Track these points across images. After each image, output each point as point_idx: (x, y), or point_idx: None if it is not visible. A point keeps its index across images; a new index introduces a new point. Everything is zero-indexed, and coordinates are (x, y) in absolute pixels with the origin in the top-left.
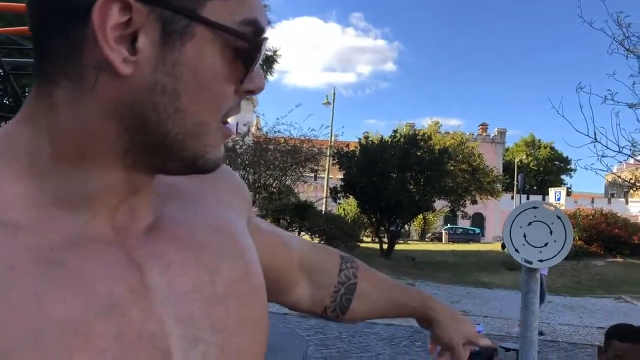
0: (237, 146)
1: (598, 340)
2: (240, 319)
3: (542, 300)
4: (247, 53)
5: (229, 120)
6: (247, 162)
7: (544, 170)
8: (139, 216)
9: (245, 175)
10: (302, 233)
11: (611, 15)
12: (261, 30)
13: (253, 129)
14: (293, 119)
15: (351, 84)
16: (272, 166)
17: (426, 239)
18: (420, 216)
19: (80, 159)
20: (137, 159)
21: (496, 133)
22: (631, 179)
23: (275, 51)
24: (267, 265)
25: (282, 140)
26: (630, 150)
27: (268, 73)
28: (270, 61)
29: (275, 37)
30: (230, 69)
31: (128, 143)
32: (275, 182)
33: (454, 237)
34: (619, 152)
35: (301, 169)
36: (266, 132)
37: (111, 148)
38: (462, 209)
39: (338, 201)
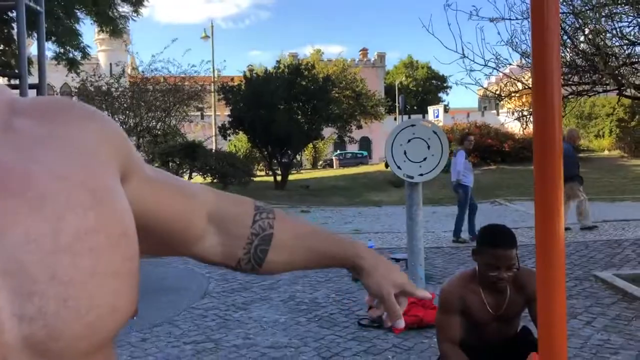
0: (113, 89)
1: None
2: (92, 270)
3: (473, 210)
4: None
5: (101, 59)
6: (125, 105)
7: (423, 90)
8: None
9: (125, 119)
10: (194, 174)
11: None
12: None
13: (128, 70)
14: (171, 56)
15: (231, 16)
16: (153, 107)
17: (318, 167)
18: (311, 145)
19: None
20: None
21: (376, 57)
22: (496, 90)
23: None
24: (160, 216)
25: (162, 79)
26: (495, 63)
27: (139, 7)
28: None
29: None
30: None
31: None
32: (159, 123)
33: (344, 162)
34: (485, 65)
35: (185, 107)
36: (143, 72)
37: None
38: (349, 134)
39: (228, 138)
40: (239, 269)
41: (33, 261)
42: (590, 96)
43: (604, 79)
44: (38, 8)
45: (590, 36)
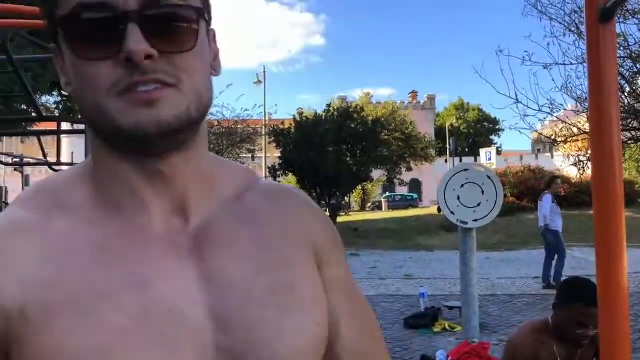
0: None
1: (534, 290)
2: (277, 325)
3: (562, 256)
4: (93, 33)
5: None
6: None
7: (474, 132)
8: (187, 215)
9: None
10: None
11: None
12: (96, 5)
13: None
14: (224, 101)
15: (282, 61)
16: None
17: (367, 209)
18: (359, 187)
19: (103, 167)
20: (117, 150)
21: (426, 99)
22: (552, 135)
23: None
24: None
25: (216, 122)
26: (549, 108)
27: None
28: None
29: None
30: (88, 51)
31: (104, 140)
32: None
33: (393, 205)
34: (539, 110)
35: (237, 150)
36: None
37: (105, 148)
38: (398, 176)
39: (278, 179)
40: None
41: (233, 305)
42: None
43: None
44: None
45: None
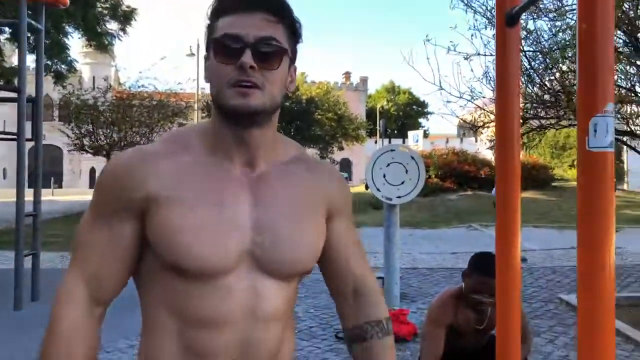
0: (99, 103)
1: (450, 263)
2: (291, 236)
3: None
4: (228, 49)
5: (84, 72)
6: (110, 119)
7: (404, 115)
8: (254, 166)
9: (110, 134)
10: None
11: None
12: (233, 36)
13: (113, 84)
14: (158, 73)
15: None
16: (137, 123)
17: None
18: None
19: (214, 130)
20: (224, 121)
21: (359, 81)
22: (471, 120)
23: (133, 10)
24: (330, 256)
25: (146, 95)
26: (469, 95)
27: (126, 25)
28: (127, 16)
29: None
30: (220, 58)
31: (219, 114)
32: (143, 139)
33: None
34: (460, 97)
35: (170, 124)
36: (129, 87)
37: (218, 119)
38: (330, 155)
39: None
40: (344, 331)
41: (274, 223)
42: (556, 129)
43: (566, 114)
44: (39, 26)
45: (557, 75)
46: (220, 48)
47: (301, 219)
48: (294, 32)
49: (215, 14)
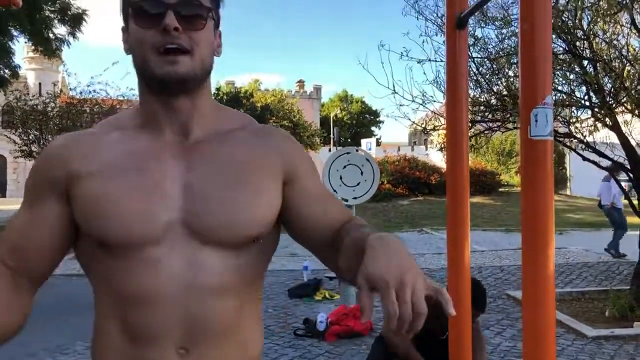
0: (49, 108)
1: None
2: (223, 201)
3: (625, 229)
4: (148, 13)
5: (29, 78)
6: (60, 125)
7: (357, 123)
8: (189, 134)
9: None
10: None
11: None
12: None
13: (60, 89)
14: (110, 78)
15: None
16: (88, 129)
17: None
18: None
19: (142, 101)
20: (149, 89)
21: (312, 89)
22: (422, 123)
23: (84, 11)
24: (300, 215)
25: (95, 101)
26: (421, 99)
27: (77, 31)
28: (77, 18)
29: None
30: (140, 23)
31: (144, 82)
32: None
33: None
34: (413, 101)
35: None
36: (80, 93)
37: (144, 90)
38: None
39: None
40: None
41: (201, 187)
42: (502, 132)
43: (512, 117)
44: None
45: (503, 80)
46: (140, 12)
47: (241, 181)
48: None
49: None
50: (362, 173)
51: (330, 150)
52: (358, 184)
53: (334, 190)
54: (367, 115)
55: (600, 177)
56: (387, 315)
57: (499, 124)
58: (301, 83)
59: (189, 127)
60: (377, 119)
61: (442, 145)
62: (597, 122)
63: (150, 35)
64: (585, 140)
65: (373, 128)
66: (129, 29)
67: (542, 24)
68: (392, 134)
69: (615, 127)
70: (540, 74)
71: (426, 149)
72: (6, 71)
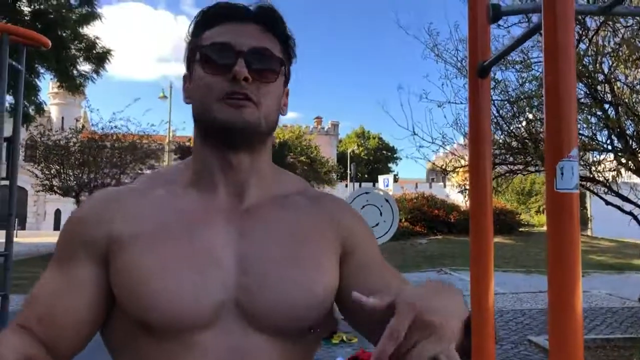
0: (71, 144)
1: None
2: (282, 278)
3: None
4: (218, 59)
5: (53, 112)
6: (80, 160)
7: (374, 159)
8: (244, 197)
9: (80, 175)
10: None
11: (423, 26)
12: (224, 45)
13: (82, 124)
14: (131, 114)
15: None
16: (109, 164)
17: None
18: None
19: (196, 154)
20: (206, 141)
21: (330, 125)
22: (442, 165)
23: (108, 51)
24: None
25: (116, 137)
26: (441, 141)
27: (101, 69)
28: (101, 57)
29: (101, 26)
30: (208, 69)
31: (200, 133)
32: (113, 180)
33: None
34: (432, 142)
35: (141, 165)
36: (102, 128)
37: (199, 141)
38: None
39: None
40: None
41: (257, 266)
42: (524, 175)
43: (533, 160)
44: (19, 67)
45: (524, 123)
46: (209, 58)
47: (300, 256)
48: (287, 48)
49: (201, 27)
50: (381, 213)
51: (347, 186)
52: (377, 224)
53: None
54: (384, 152)
55: (622, 220)
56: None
57: (520, 166)
58: (319, 119)
59: (245, 188)
60: (394, 155)
61: (464, 187)
62: (619, 167)
63: (217, 82)
64: (608, 184)
65: (390, 164)
66: (192, 76)
67: (567, 76)
68: (410, 171)
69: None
70: (565, 127)
71: (444, 186)
72: (31, 108)
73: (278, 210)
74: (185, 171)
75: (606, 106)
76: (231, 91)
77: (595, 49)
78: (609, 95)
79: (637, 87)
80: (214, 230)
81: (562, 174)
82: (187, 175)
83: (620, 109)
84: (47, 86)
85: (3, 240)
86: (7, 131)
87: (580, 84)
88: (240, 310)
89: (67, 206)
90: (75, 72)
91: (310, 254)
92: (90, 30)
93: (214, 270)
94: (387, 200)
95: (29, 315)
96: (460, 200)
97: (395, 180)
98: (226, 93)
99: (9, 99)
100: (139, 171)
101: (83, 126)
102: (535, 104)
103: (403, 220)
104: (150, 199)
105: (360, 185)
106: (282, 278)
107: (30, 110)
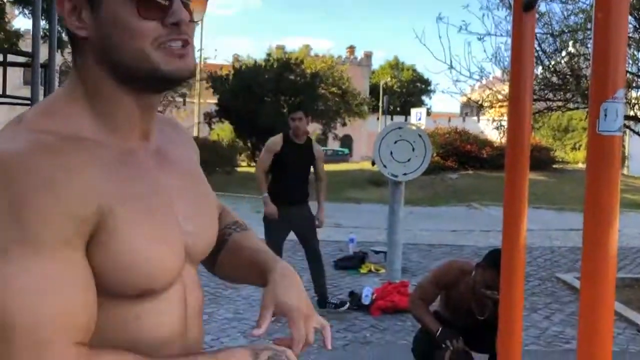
0: None
1: (450, 241)
2: (206, 219)
3: None
4: (153, 2)
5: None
6: None
7: (407, 92)
8: (149, 137)
9: None
10: None
11: None
12: None
13: None
14: None
15: (215, 2)
16: None
17: None
18: None
19: (103, 98)
20: (126, 85)
21: (363, 56)
22: (479, 100)
23: None
24: None
25: None
26: (479, 75)
27: None
28: None
29: None
30: (144, 12)
31: (115, 77)
32: None
33: (325, 158)
34: (470, 77)
35: (173, 93)
36: None
37: (110, 84)
38: (333, 131)
39: (212, 126)
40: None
41: (185, 196)
42: (563, 112)
43: (574, 97)
44: None
45: (566, 58)
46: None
47: (201, 192)
48: None
49: None
50: (413, 149)
51: (378, 119)
52: (409, 159)
53: (384, 165)
54: (418, 84)
55: None
56: (296, 339)
57: (559, 103)
58: (351, 49)
59: (151, 127)
60: (428, 88)
61: (499, 123)
62: None
63: (151, 27)
64: None
65: (423, 97)
66: (100, 6)
67: (618, 14)
68: (444, 104)
69: None
70: (612, 67)
71: (478, 120)
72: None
73: (172, 148)
74: (82, 114)
75: None
76: (171, 38)
77: None
78: None
79: None
80: (157, 179)
81: (605, 115)
82: (88, 119)
83: None
84: None
85: None
86: (43, 56)
87: (630, 17)
88: (187, 253)
89: None
90: None
91: (205, 188)
92: None
93: (175, 224)
94: (420, 136)
95: (70, 329)
96: (495, 136)
97: (428, 114)
98: (165, 41)
99: (42, 24)
100: (170, 99)
101: None
102: (580, 37)
103: (434, 154)
104: (99, 158)
105: (392, 119)
106: (204, 217)
107: (64, 36)
